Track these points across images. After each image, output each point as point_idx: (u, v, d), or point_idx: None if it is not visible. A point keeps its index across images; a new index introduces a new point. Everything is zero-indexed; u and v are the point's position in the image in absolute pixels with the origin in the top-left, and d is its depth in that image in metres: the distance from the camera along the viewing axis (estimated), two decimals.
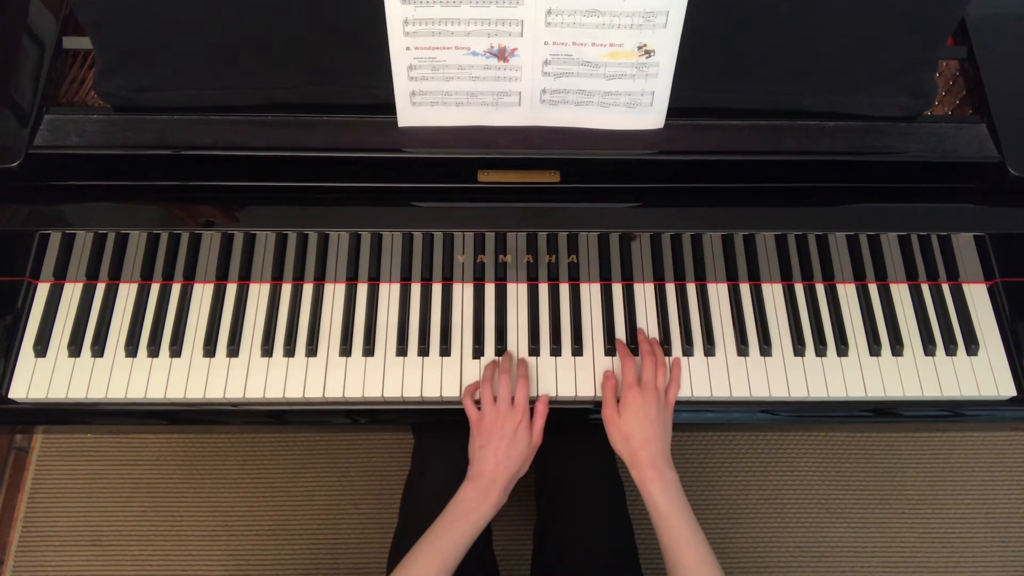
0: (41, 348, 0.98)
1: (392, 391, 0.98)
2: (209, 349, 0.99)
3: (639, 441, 0.90)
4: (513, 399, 0.94)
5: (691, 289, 1.04)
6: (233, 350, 0.99)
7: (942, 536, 1.56)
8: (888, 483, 1.60)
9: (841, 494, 1.59)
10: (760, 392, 0.99)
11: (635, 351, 1.00)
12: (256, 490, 1.57)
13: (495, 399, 0.95)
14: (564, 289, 1.04)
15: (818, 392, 0.99)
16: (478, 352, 1.00)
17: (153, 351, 0.99)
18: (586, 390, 0.99)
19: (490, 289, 1.04)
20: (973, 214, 0.99)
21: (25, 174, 0.92)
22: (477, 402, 0.96)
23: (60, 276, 1.01)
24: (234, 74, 0.91)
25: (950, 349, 1.01)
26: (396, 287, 1.04)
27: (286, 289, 1.03)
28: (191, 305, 1.02)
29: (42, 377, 0.97)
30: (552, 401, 0.98)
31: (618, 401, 0.94)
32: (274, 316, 1.01)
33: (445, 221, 0.98)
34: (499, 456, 0.92)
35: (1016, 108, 0.97)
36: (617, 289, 1.04)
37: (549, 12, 0.83)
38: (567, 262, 1.02)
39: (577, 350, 1.01)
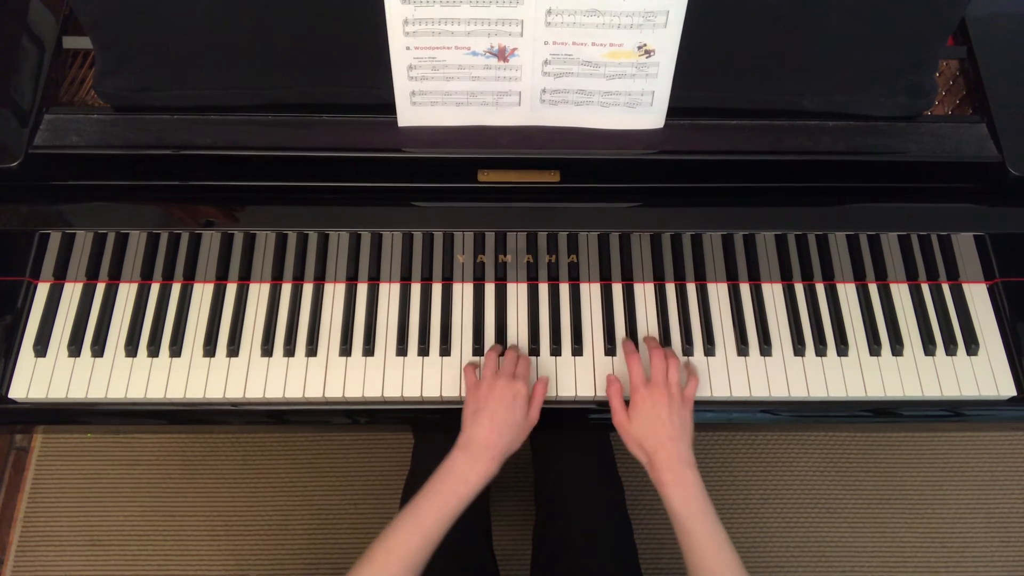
0: (41, 348, 0.98)
1: (392, 391, 0.98)
2: (209, 349, 0.99)
3: (652, 445, 0.88)
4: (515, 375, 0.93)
5: (691, 289, 1.04)
6: (233, 350, 0.99)
7: (942, 536, 1.56)
8: (888, 483, 1.60)
9: (841, 494, 1.59)
10: (760, 392, 0.99)
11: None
12: (256, 490, 1.57)
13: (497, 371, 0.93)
14: (564, 289, 1.04)
15: (818, 392, 0.99)
16: (478, 352, 1.00)
17: (153, 351, 0.99)
18: (586, 390, 0.99)
19: (490, 289, 1.04)
20: (973, 214, 0.99)
21: (25, 174, 0.92)
22: None
23: (60, 276, 1.01)
24: (234, 74, 0.91)
25: (950, 349, 1.01)
26: (396, 287, 1.03)
27: (286, 289, 1.03)
28: (191, 305, 1.02)
29: (42, 377, 0.97)
30: (552, 401, 0.98)
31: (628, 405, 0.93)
32: (274, 316, 1.01)
33: (445, 221, 0.98)
34: (494, 421, 0.88)
35: (1016, 108, 0.97)
36: (617, 289, 1.04)
37: (549, 12, 0.83)
38: (567, 262, 1.02)
39: (577, 350, 1.01)
